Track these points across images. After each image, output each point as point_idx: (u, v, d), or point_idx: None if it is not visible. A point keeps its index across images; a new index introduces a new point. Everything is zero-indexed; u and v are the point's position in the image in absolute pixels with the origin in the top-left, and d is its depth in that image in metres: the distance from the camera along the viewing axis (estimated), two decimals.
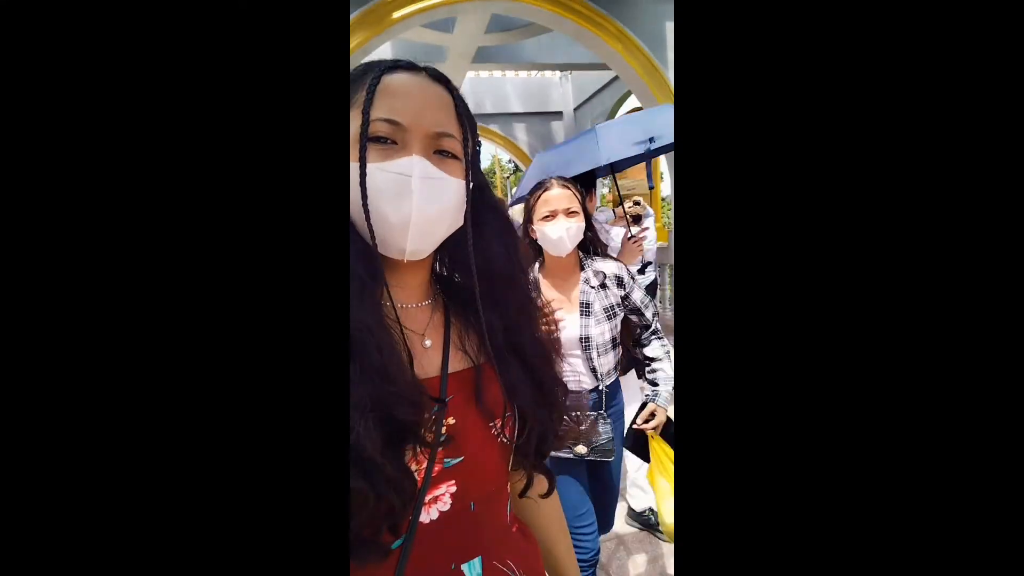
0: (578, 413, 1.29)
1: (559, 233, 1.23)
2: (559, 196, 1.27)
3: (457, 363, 0.53)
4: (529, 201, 1.31)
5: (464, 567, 0.50)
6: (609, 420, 1.31)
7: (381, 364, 0.43)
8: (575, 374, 1.29)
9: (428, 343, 0.52)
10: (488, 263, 0.54)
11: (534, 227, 1.29)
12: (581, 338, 1.29)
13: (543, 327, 0.60)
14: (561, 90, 7.58)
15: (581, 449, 1.29)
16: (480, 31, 4.41)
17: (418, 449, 0.45)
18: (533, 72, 7.34)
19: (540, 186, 1.31)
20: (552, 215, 1.26)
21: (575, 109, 7.53)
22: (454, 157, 0.48)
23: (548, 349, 0.59)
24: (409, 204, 0.45)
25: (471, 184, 0.51)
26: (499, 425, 0.53)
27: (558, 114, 7.65)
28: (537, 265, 1.35)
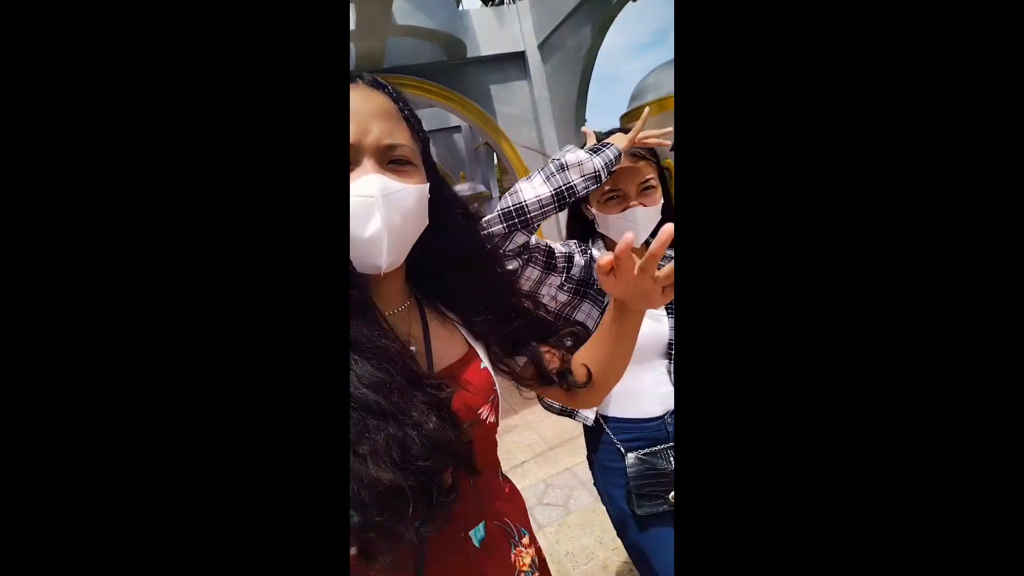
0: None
1: (627, 226, 0.88)
2: (628, 172, 0.90)
3: (441, 359, 0.56)
4: None
5: (471, 533, 0.56)
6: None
7: (398, 367, 0.45)
8: (655, 394, 0.96)
9: (413, 347, 0.54)
10: (457, 254, 0.58)
11: (592, 208, 0.95)
12: (670, 343, 0.98)
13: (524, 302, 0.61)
14: None
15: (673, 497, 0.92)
16: None
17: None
18: None
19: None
20: (619, 196, 0.90)
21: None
22: (409, 163, 0.50)
23: (529, 310, 0.62)
24: (378, 222, 0.46)
25: (430, 183, 0.52)
26: (487, 409, 0.58)
27: (458, 128, 9.54)
28: (597, 247, 0.99)
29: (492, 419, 0.59)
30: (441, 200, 0.56)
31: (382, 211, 0.46)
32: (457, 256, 0.58)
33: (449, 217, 0.57)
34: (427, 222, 0.53)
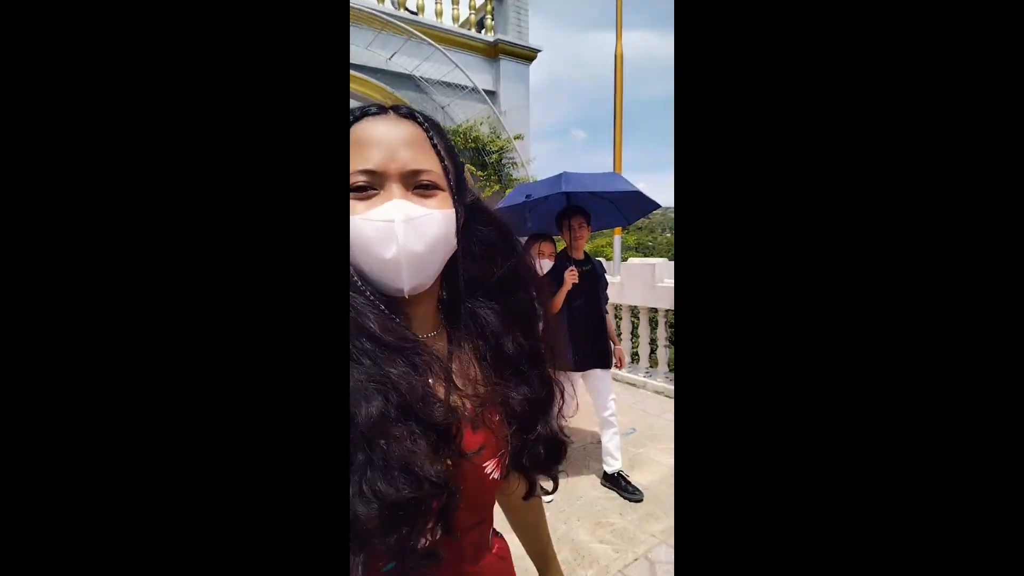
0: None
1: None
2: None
3: (458, 400, 0.53)
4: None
5: None
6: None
7: (413, 392, 0.44)
8: None
9: (431, 380, 0.50)
10: (492, 282, 0.56)
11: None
12: None
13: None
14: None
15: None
16: None
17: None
18: None
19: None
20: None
21: None
22: (436, 188, 0.49)
23: (546, 361, 0.60)
24: (396, 247, 0.46)
25: (460, 208, 0.51)
26: (494, 464, 0.55)
27: None
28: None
29: (496, 475, 0.56)
30: (475, 225, 0.56)
31: (402, 236, 0.46)
32: (492, 284, 0.57)
33: (482, 243, 0.57)
34: (455, 247, 0.52)
